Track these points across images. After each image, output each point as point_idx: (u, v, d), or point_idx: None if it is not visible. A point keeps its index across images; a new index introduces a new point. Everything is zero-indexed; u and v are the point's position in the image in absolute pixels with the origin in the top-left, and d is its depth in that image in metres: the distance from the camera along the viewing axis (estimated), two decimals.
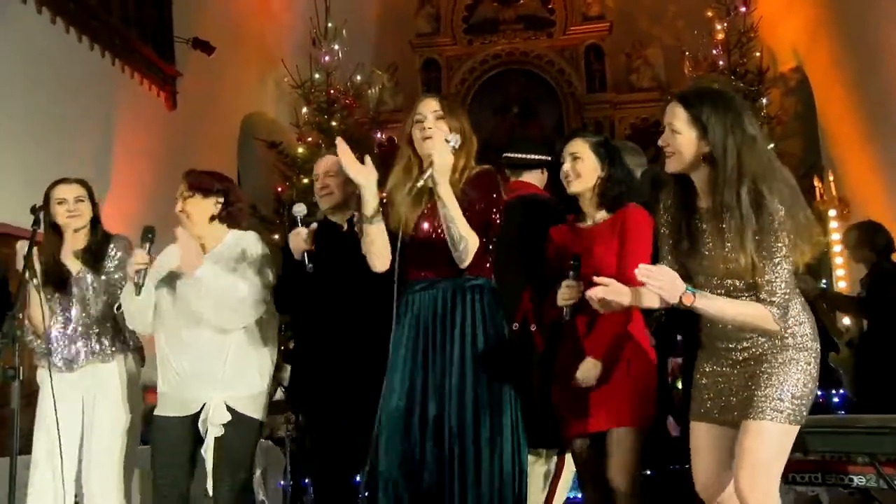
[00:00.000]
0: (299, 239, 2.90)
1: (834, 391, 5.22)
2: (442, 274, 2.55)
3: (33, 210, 3.23)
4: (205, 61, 7.36)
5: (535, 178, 3.37)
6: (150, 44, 6.87)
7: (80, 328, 3.27)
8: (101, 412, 3.23)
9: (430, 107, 2.56)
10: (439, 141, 2.46)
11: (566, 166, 2.83)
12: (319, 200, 3.19)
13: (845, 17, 7.08)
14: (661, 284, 2.12)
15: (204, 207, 3.05)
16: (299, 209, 3.00)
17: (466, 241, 2.46)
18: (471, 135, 2.59)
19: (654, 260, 2.47)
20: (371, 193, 2.44)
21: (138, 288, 2.86)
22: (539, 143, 3.71)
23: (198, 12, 7.52)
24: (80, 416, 3.25)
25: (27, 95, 5.20)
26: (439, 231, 2.50)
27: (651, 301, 2.21)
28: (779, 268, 2.13)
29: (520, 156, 3.43)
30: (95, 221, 3.37)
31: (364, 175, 2.43)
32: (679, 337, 3.66)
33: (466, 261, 2.50)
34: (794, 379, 2.18)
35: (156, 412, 3.08)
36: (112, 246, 3.31)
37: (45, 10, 5.43)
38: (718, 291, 2.24)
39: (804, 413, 2.20)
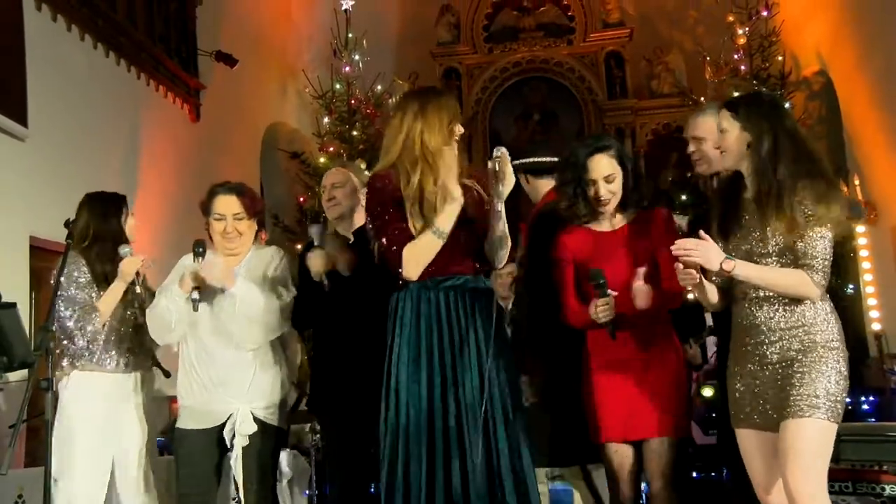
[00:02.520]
0: (318, 261, 2.97)
1: (864, 398, 5.14)
2: (451, 271, 2.54)
3: (66, 224, 3.23)
4: (228, 73, 7.45)
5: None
6: (175, 58, 6.96)
7: (112, 337, 3.27)
8: (128, 424, 3.24)
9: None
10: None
11: (606, 187, 2.73)
12: (327, 211, 3.26)
13: (868, 19, 7.04)
14: (700, 253, 2.29)
15: (252, 228, 3.15)
16: (314, 230, 3.07)
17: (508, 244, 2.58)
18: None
19: None
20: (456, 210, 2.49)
21: (196, 304, 2.89)
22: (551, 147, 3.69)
23: (221, 26, 7.62)
24: (104, 423, 3.23)
25: (58, 111, 5.28)
26: (462, 236, 2.52)
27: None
28: (818, 236, 2.29)
29: (545, 160, 3.39)
30: None
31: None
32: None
33: (502, 263, 2.64)
34: (825, 376, 2.25)
35: (178, 425, 3.10)
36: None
37: (74, 28, 5.53)
38: None
39: (840, 411, 2.26)
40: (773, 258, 2.36)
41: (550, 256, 2.89)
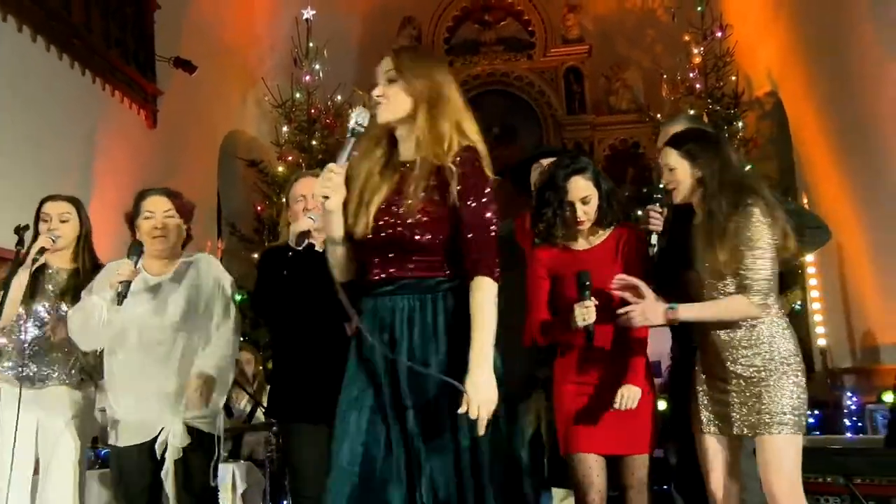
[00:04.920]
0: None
1: (809, 412, 5.28)
2: (408, 272, 2.11)
3: (17, 230, 3.17)
4: (186, 80, 7.37)
5: None
6: (132, 63, 6.87)
7: (44, 348, 3.18)
8: (59, 438, 3.13)
9: (382, 68, 2.14)
10: (386, 110, 2.10)
11: (582, 209, 2.78)
12: (300, 222, 3.20)
13: (818, 42, 7.22)
14: (640, 317, 2.53)
15: (181, 234, 3.11)
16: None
17: None
18: (451, 93, 2.14)
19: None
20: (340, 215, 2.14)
21: (120, 298, 2.80)
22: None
23: (180, 32, 7.54)
24: (34, 438, 3.15)
25: (7, 114, 5.18)
26: (408, 219, 2.08)
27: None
28: (757, 257, 2.46)
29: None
30: (84, 240, 3.31)
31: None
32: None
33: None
34: (788, 392, 2.47)
35: (110, 441, 3.02)
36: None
37: (25, 29, 5.43)
38: (722, 293, 2.54)
39: (804, 421, 2.51)
40: (728, 280, 2.52)
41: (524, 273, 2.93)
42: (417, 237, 2.09)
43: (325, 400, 2.66)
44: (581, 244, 2.85)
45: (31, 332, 3.17)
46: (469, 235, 2.07)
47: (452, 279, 2.12)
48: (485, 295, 2.04)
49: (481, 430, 1.96)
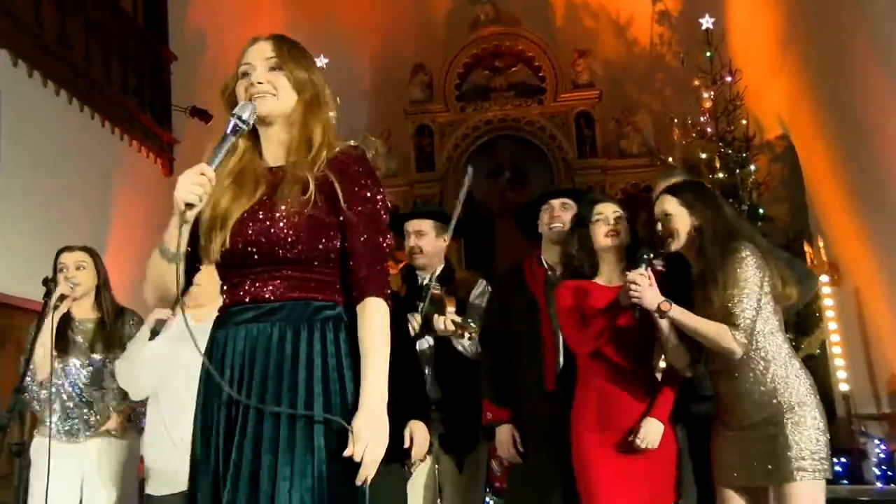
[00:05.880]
0: None
1: (835, 459, 5.19)
2: (278, 295, 1.73)
3: (45, 282, 3.19)
4: (202, 129, 7.48)
5: None
6: (149, 112, 7.00)
7: (82, 400, 3.24)
8: (102, 489, 3.19)
9: (261, 53, 1.80)
10: (273, 102, 1.78)
11: (612, 226, 2.85)
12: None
13: (827, 85, 7.24)
14: (639, 293, 2.51)
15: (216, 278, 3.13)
16: None
17: None
18: (323, 86, 1.85)
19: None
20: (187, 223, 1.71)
21: (153, 334, 2.88)
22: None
23: (196, 81, 7.67)
24: (78, 493, 3.20)
25: (30, 165, 5.28)
26: (280, 222, 1.72)
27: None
28: (746, 297, 2.46)
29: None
30: (102, 288, 3.37)
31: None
32: None
33: None
34: (806, 437, 2.41)
35: (149, 491, 3.02)
36: (129, 321, 3.33)
37: (50, 84, 5.55)
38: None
39: (825, 465, 2.42)
40: None
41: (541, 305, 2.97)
42: (292, 242, 1.70)
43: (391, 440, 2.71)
44: (603, 280, 2.85)
45: (68, 386, 3.23)
46: (357, 247, 1.73)
47: (334, 307, 1.75)
48: (377, 320, 1.71)
49: (362, 479, 1.65)
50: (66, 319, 3.26)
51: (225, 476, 1.68)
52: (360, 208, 1.74)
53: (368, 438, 1.64)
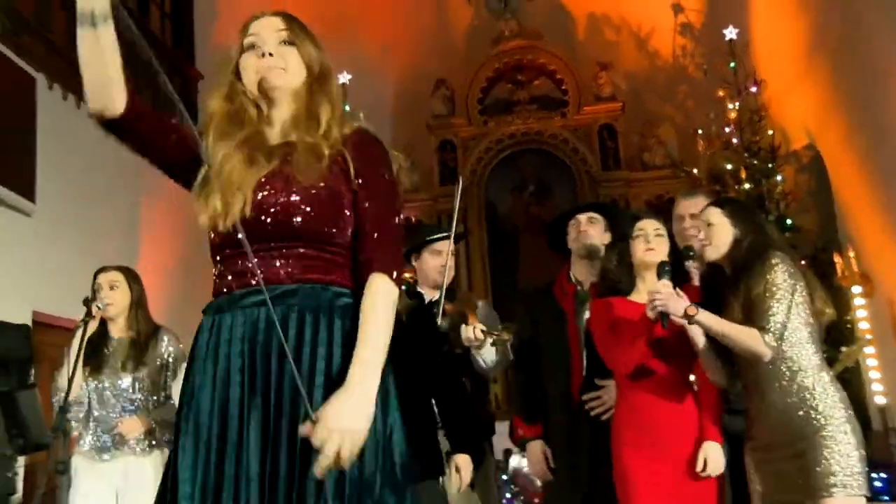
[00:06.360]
0: None
1: (873, 474, 5.13)
2: (294, 276, 1.60)
3: (85, 302, 3.25)
4: None
5: None
6: None
7: (113, 416, 3.28)
8: None
9: (272, 26, 1.72)
10: (284, 75, 1.70)
11: (653, 241, 2.86)
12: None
13: (853, 95, 7.24)
14: (663, 301, 2.54)
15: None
16: None
17: None
18: (335, 78, 1.79)
19: None
20: None
21: None
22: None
23: None
24: None
25: (64, 186, 5.40)
26: (297, 200, 1.61)
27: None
28: (777, 302, 2.48)
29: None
30: (136, 306, 3.42)
31: None
32: None
33: None
34: (837, 451, 2.36)
35: None
36: (163, 339, 3.37)
37: (84, 107, 5.62)
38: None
39: (861, 480, 2.36)
40: None
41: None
42: (307, 212, 1.59)
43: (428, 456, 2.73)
44: (642, 297, 2.82)
45: (98, 404, 3.28)
46: (367, 222, 1.64)
47: (350, 294, 1.62)
48: (381, 296, 1.57)
49: (319, 470, 1.44)
50: (103, 338, 3.34)
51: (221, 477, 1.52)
52: (373, 184, 1.67)
53: (334, 426, 1.44)
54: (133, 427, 3.26)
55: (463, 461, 2.87)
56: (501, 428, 3.70)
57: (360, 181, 1.65)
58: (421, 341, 2.92)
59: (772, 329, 2.46)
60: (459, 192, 3.66)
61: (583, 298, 3.19)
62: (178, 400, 1.68)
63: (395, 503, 1.53)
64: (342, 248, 1.64)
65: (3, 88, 4.90)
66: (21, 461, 3.80)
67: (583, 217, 3.28)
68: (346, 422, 1.45)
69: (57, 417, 3.01)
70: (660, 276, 2.65)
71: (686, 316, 2.53)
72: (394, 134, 9.48)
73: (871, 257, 7.23)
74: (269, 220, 1.60)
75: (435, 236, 3.37)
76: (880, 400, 6.76)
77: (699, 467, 2.62)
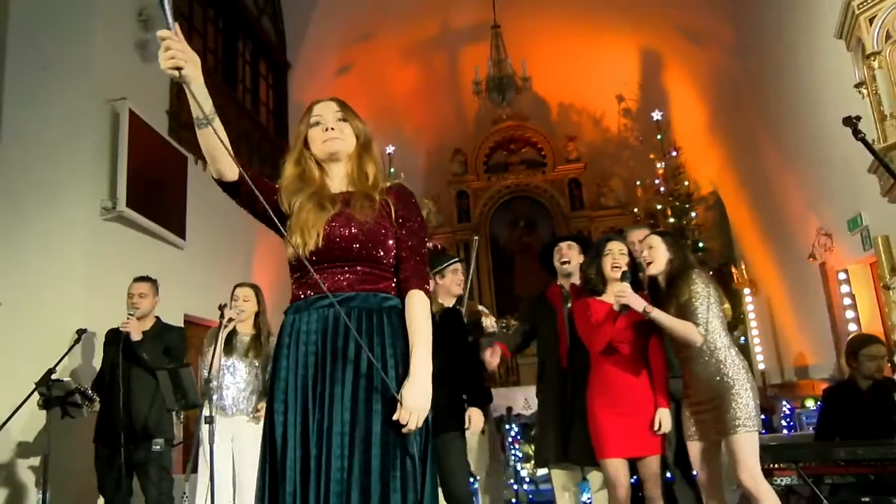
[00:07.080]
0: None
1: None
2: (351, 287, 1.57)
3: (220, 307, 3.24)
4: None
5: None
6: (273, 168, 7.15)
7: (236, 390, 3.25)
8: (245, 452, 3.12)
9: (330, 108, 1.72)
10: (341, 143, 1.67)
11: (620, 260, 2.80)
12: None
13: (742, 157, 7.28)
14: (627, 297, 2.54)
15: None
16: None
17: None
18: (375, 146, 1.74)
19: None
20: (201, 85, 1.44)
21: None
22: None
23: None
24: (231, 452, 3.16)
25: (205, 229, 5.43)
26: (357, 232, 1.59)
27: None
28: (700, 304, 2.49)
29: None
30: (260, 315, 3.40)
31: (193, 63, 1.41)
32: None
33: None
34: (741, 402, 2.38)
35: None
36: (273, 339, 3.28)
37: (199, 162, 5.74)
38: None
39: (756, 420, 2.39)
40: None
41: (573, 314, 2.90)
42: (363, 241, 1.58)
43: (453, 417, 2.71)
44: (609, 298, 2.75)
45: (228, 378, 3.25)
46: (405, 251, 1.61)
47: (393, 298, 1.60)
48: (424, 307, 1.58)
49: (409, 428, 1.46)
50: (234, 333, 3.33)
51: (306, 433, 1.48)
52: (409, 224, 1.64)
53: (412, 406, 1.46)
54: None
55: (476, 413, 2.88)
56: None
57: (400, 221, 1.63)
58: (456, 333, 2.95)
59: (700, 322, 2.46)
60: (476, 245, 3.65)
61: (566, 297, 3.16)
62: (270, 377, 1.63)
63: (420, 444, 1.53)
64: (387, 268, 1.61)
65: (168, 164, 5.00)
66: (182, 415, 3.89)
67: (564, 245, 3.22)
68: (418, 402, 1.47)
69: (203, 386, 3.07)
70: (622, 280, 2.64)
71: (644, 312, 2.51)
72: (425, 188, 9.58)
73: (756, 269, 7.26)
74: (335, 247, 1.58)
75: (452, 261, 3.30)
76: (761, 366, 6.82)
77: (655, 427, 2.60)
